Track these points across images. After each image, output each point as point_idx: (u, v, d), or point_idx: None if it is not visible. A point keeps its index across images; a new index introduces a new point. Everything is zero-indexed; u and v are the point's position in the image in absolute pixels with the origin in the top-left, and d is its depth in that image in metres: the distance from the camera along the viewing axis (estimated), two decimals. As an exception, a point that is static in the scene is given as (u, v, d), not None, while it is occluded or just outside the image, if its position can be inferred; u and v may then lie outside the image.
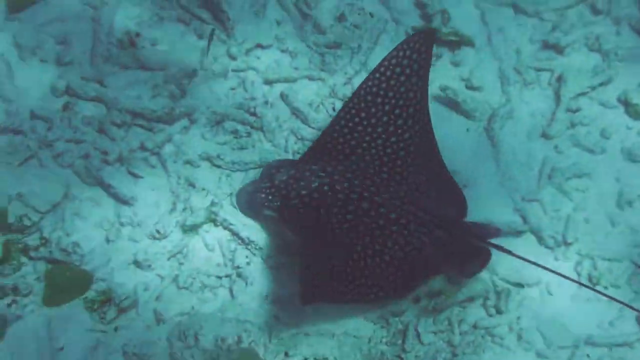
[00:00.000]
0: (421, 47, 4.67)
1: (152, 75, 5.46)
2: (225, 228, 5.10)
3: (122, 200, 5.15)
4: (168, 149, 5.28)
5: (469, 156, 5.22)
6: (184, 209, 5.12)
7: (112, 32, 5.51)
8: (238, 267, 5.00)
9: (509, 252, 4.53)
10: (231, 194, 5.16)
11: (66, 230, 5.04)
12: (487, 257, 4.59)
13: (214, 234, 5.12)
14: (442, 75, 5.57)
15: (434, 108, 5.14)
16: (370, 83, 4.68)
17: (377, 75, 4.66)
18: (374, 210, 4.47)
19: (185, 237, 5.10)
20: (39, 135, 5.16)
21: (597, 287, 4.78)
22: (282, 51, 5.61)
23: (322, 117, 5.41)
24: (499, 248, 4.54)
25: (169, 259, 5.04)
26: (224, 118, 5.35)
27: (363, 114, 4.70)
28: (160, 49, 5.52)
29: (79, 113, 5.36)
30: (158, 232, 5.07)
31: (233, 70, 5.50)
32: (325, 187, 4.60)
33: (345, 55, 5.52)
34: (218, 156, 5.25)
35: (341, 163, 4.66)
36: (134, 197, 5.14)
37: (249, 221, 5.03)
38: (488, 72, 5.48)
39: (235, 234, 5.07)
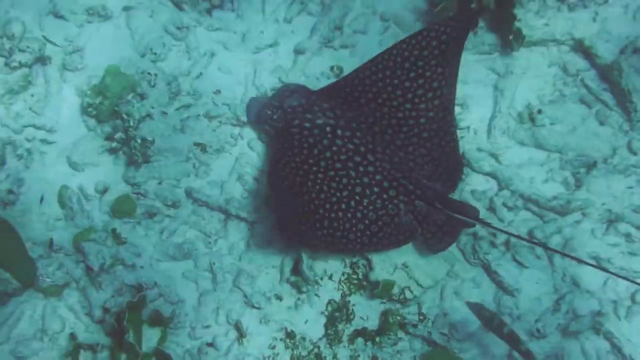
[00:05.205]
0: (462, 28, 4.69)
1: (548, 157, 5.17)
2: (607, 339, 4.74)
3: (505, 289, 4.88)
4: (555, 240, 4.92)
5: None
6: (567, 312, 4.76)
7: (513, 104, 5.18)
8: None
9: (489, 225, 4.61)
10: (615, 301, 4.80)
11: (444, 309, 4.86)
12: (452, 239, 4.69)
13: (595, 343, 4.77)
14: None
15: None
16: (405, 45, 4.68)
17: (414, 40, 4.66)
18: (362, 167, 4.51)
19: (565, 341, 4.78)
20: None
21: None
22: (693, 149, 5.06)
23: None
24: (481, 222, 4.60)
25: (545, 358, 4.72)
26: (618, 218, 4.94)
27: (388, 72, 4.69)
28: (559, 129, 5.18)
29: (470, 186, 5.11)
30: (538, 330, 4.76)
31: (633, 166, 5.03)
32: (328, 128, 4.57)
33: None
34: (608, 260, 4.83)
35: (352, 110, 4.54)
36: (518, 288, 4.85)
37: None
38: None
39: (616, 346, 4.68)
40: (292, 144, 4.64)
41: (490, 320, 4.21)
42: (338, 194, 4.50)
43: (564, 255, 4.63)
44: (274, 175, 4.59)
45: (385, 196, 4.55)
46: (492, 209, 5.02)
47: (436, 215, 4.60)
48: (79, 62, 5.26)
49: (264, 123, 4.93)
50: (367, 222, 4.53)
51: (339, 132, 4.63)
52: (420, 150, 4.69)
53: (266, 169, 4.95)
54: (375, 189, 4.55)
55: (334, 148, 4.59)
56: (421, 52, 4.69)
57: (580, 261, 4.48)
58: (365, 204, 4.53)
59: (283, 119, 4.79)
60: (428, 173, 4.66)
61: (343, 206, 4.50)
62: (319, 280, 4.87)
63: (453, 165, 4.77)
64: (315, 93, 4.90)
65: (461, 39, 4.73)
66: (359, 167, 4.55)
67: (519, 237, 4.68)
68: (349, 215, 4.50)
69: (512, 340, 4.14)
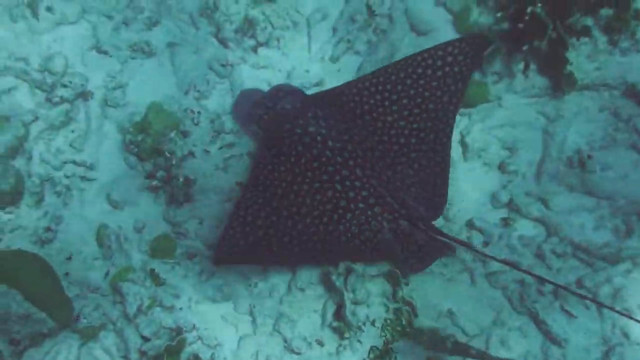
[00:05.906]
0: (470, 51, 4.63)
1: (598, 203, 5.00)
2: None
3: (553, 339, 4.73)
4: (605, 290, 4.75)
5: None
6: (616, 364, 4.53)
7: (563, 149, 5.03)
8: None
9: (470, 247, 4.62)
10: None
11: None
12: (432, 259, 4.64)
13: (645, 400, 4.53)
14: None
15: None
16: (410, 61, 4.64)
17: (419, 58, 4.64)
18: (349, 181, 4.43)
19: (611, 399, 4.55)
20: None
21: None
22: None
23: None
24: (461, 242, 4.57)
25: (588, 416, 4.50)
26: (669, 268, 4.73)
27: (388, 86, 4.63)
28: (610, 175, 5.03)
29: (517, 231, 4.95)
30: (586, 383, 4.51)
31: (685, 215, 4.85)
32: (319, 137, 4.41)
33: None
34: (656, 310, 4.64)
35: (346, 121, 4.47)
36: (567, 338, 4.69)
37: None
38: None
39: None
40: (280, 150, 4.53)
41: (433, 341, 4.23)
42: (321, 207, 4.44)
43: (597, 303, 4.61)
44: (254, 183, 4.51)
45: (369, 212, 4.48)
46: (540, 255, 4.89)
47: (419, 236, 4.52)
48: (121, 98, 5.21)
49: (253, 123, 4.82)
50: (349, 235, 4.46)
51: (330, 143, 4.51)
52: (408, 170, 4.59)
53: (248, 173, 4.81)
54: (361, 205, 4.47)
55: (323, 159, 4.49)
56: (425, 71, 4.65)
57: (625, 315, 4.39)
58: (348, 217, 4.47)
59: (274, 121, 4.65)
60: (414, 195, 4.56)
61: (325, 219, 4.44)
62: (362, 326, 4.70)
63: (439, 193, 4.67)
64: (311, 98, 4.78)
65: (470, 63, 4.68)
66: (345, 181, 4.46)
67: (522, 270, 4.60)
68: (331, 228, 4.43)
69: (460, 350, 4.11)
